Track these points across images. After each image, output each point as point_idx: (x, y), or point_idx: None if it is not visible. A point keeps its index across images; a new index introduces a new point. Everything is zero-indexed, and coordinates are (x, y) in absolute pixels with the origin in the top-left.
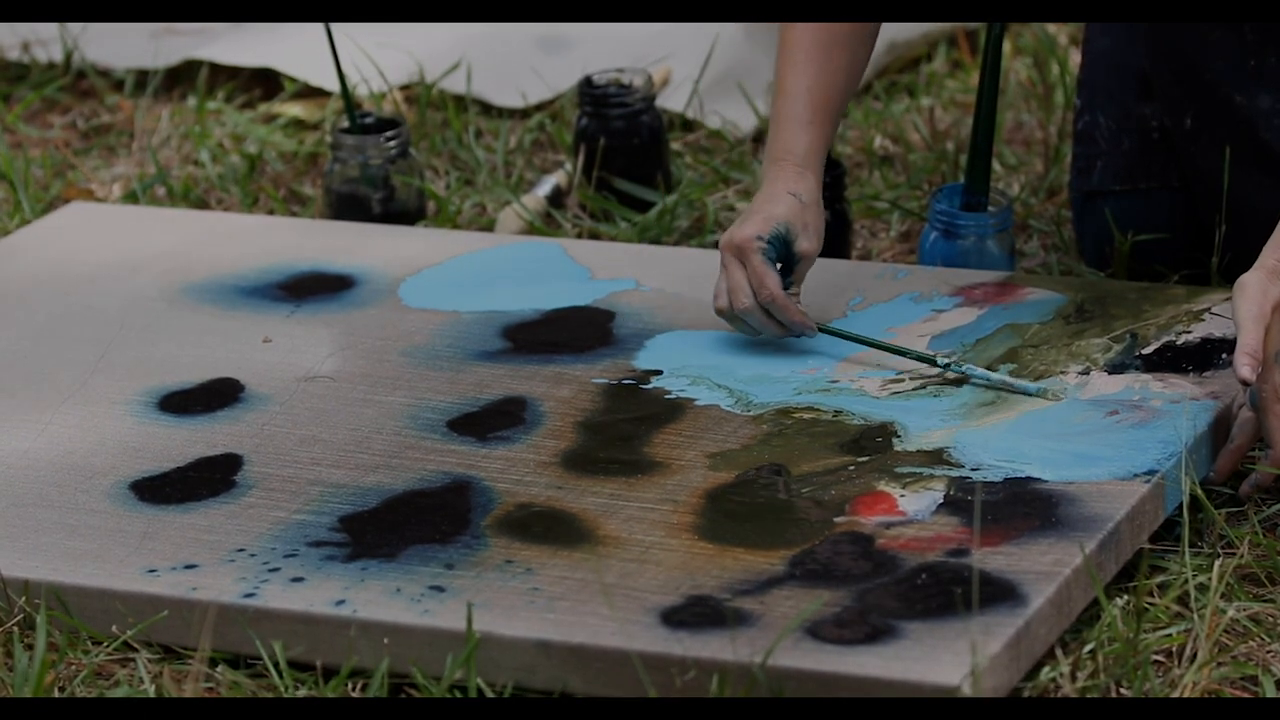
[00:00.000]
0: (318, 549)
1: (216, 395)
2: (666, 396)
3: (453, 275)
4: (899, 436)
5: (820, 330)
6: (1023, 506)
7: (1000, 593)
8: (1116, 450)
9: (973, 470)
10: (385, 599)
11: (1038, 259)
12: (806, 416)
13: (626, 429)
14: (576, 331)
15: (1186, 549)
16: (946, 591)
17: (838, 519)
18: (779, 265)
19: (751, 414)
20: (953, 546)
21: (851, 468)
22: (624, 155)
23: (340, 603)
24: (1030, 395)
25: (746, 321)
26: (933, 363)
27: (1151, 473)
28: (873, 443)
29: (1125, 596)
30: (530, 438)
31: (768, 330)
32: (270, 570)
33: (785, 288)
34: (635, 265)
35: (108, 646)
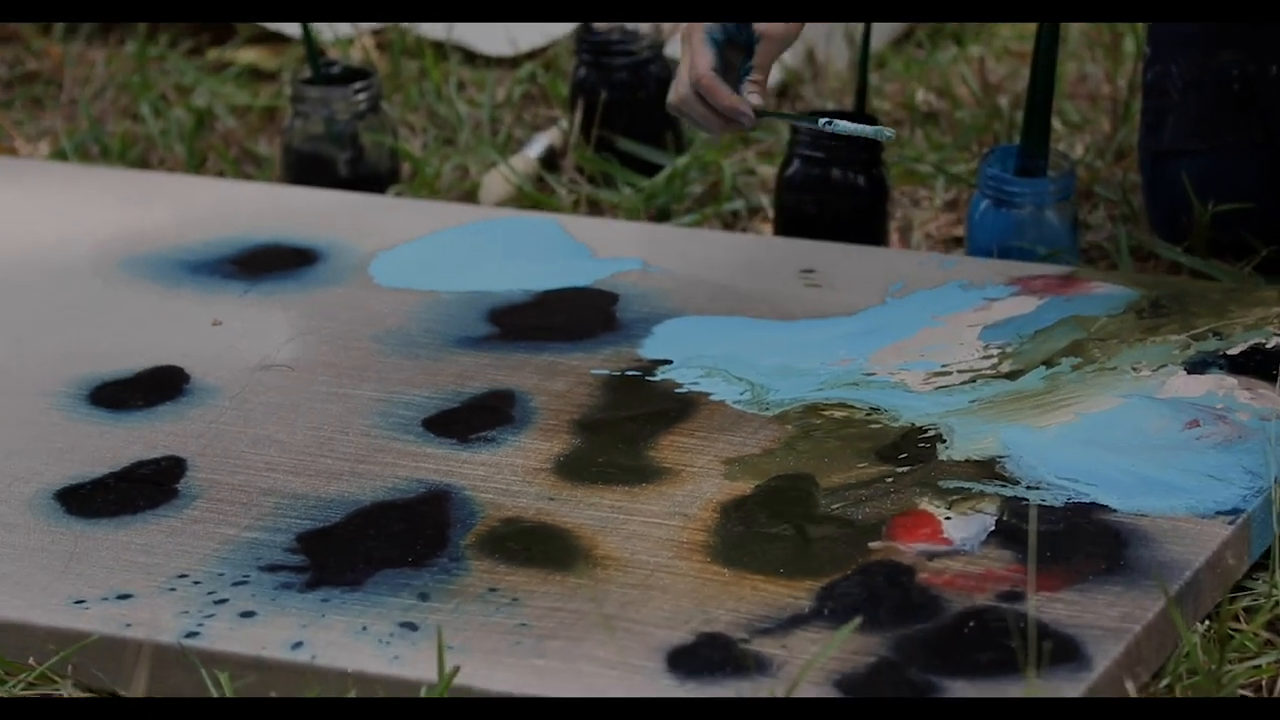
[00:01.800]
0: (272, 574)
1: (157, 387)
2: (676, 391)
3: (431, 250)
4: (944, 441)
5: (758, 114)
6: (1087, 543)
7: (1061, 651)
8: (1196, 479)
9: (1029, 489)
10: (349, 639)
11: (1104, 232)
12: (838, 415)
13: (630, 429)
14: (574, 315)
15: (1276, 568)
16: (998, 645)
17: (873, 544)
18: (746, 53)
19: (774, 412)
20: (1005, 588)
21: (889, 479)
22: (628, 111)
23: (297, 645)
24: (870, 138)
25: (689, 116)
26: (814, 123)
27: (1236, 511)
28: (914, 448)
29: (1206, 622)
30: (519, 439)
31: (709, 127)
32: (216, 602)
33: (744, 72)
34: (642, 243)
35: (26, 678)
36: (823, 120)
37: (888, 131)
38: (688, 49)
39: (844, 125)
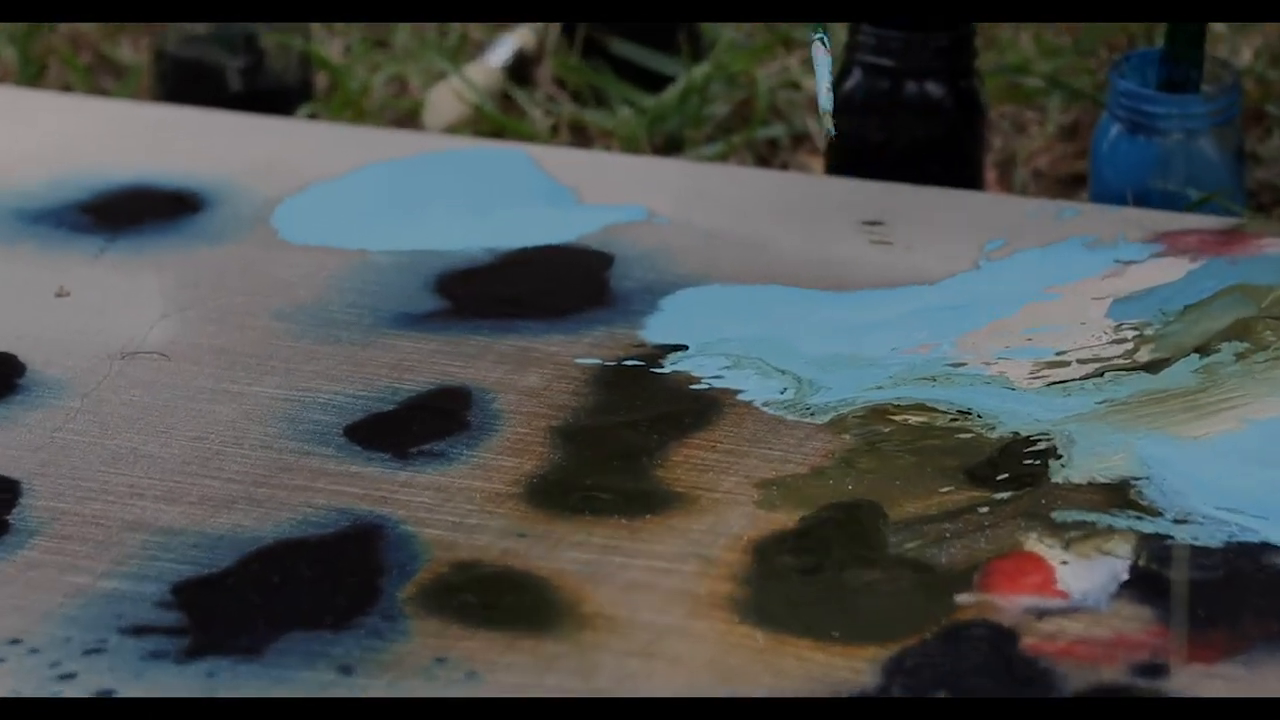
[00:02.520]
0: (137, 639)
1: None
2: (693, 388)
3: (358, 194)
4: (1060, 457)
5: None
6: (1255, 597)
7: None
8: None
9: (1176, 523)
10: None
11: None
12: (913, 421)
13: (630, 440)
14: (552, 284)
15: None
16: None
17: (961, 597)
18: None
19: (826, 417)
20: (1143, 658)
21: (984, 509)
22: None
23: None
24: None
25: None
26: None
27: None
28: (1018, 467)
29: None
30: (477, 454)
31: None
32: (61, 677)
33: None
34: (646, 184)
35: None
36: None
37: (828, 125)
38: None
39: (822, 60)
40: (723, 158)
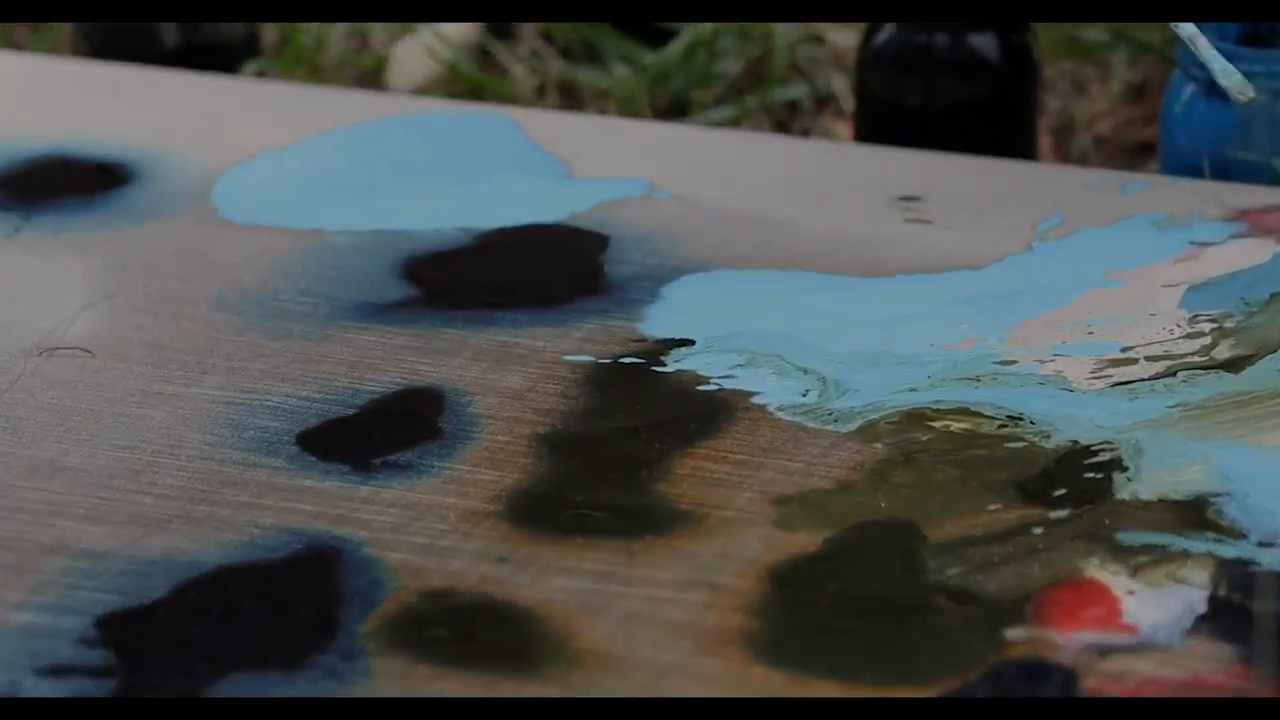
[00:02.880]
0: (56, 681)
1: None
2: (700, 389)
3: (312, 165)
4: (1126, 470)
5: None
6: None
7: None
8: None
9: (1261, 546)
10: None
11: None
12: (955, 428)
13: (626, 449)
14: (538, 269)
15: None
16: None
17: (1012, 632)
18: None
19: (854, 424)
20: (1224, 699)
21: (1038, 530)
22: None
23: None
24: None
25: None
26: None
27: None
28: (1078, 481)
29: None
30: (450, 465)
31: None
32: None
33: None
34: (646, 153)
35: None
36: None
37: (1248, 89)
38: None
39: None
40: (735, 122)
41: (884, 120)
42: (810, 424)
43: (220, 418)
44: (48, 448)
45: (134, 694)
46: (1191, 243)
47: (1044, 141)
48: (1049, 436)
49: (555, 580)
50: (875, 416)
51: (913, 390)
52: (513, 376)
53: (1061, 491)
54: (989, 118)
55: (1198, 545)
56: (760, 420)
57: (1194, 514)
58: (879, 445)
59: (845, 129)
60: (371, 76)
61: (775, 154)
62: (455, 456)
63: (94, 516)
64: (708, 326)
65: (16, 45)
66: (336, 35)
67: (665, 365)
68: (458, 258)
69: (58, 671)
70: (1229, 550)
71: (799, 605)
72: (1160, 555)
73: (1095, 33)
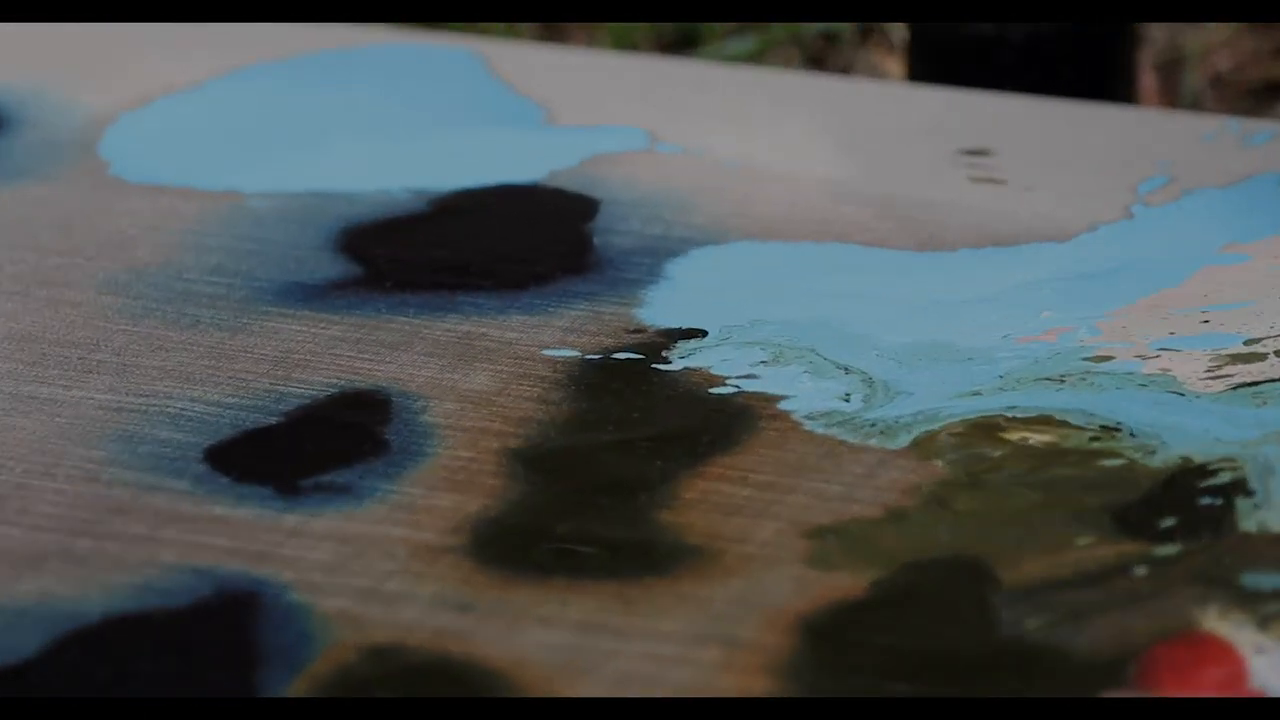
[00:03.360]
0: None
1: None
2: (714, 393)
3: (224, 111)
4: (1253, 495)
5: None
6: None
7: None
8: None
9: None
10: None
11: None
12: (1035, 442)
13: (621, 468)
14: (511, 242)
15: None
16: None
17: (1108, 691)
18: None
19: (908, 437)
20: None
21: (1141, 570)
22: None
23: None
24: None
25: None
26: None
27: None
28: (1191, 508)
29: None
30: (399, 488)
31: None
32: None
33: None
34: (644, 96)
35: None
36: None
37: None
38: None
39: None
40: (757, 57)
41: (944, 54)
42: (852, 436)
43: (109, 428)
44: None
45: None
46: None
47: (1146, 81)
48: (1154, 452)
49: (531, 634)
50: (934, 427)
51: (981, 394)
52: (478, 376)
53: (1170, 522)
54: (1076, 53)
55: None
56: (789, 432)
57: None
58: (939, 463)
59: (895, 65)
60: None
61: (808, 96)
62: (405, 477)
63: None
64: (723, 313)
65: None
66: None
67: (670, 362)
68: (408, 227)
69: None
70: None
71: (839, 666)
72: None
73: None
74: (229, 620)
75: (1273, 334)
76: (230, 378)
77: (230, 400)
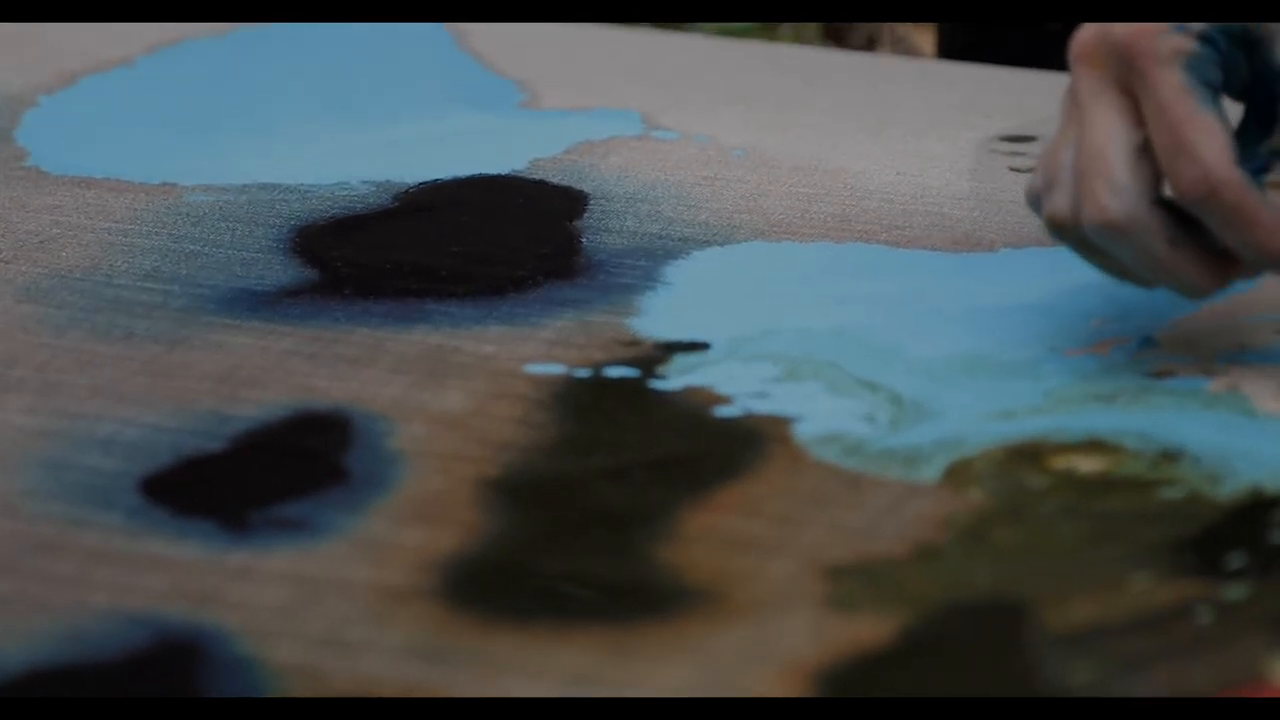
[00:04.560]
0: None
1: None
2: (719, 414)
3: (159, 93)
4: None
5: None
6: None
7: None
8: None
9: None
10: None
11: None
12: (1084, 470)
13: (614, 499)
14: (488, 242)
15: None
16: None
17: None
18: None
19: (940, 464)
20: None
21: (1205, 613)
22: None
23: None
24: None
25: (1119, 249)
26: None
27: None
28: (1261, 545)
29: None
30: (361, 522)
31: (1187, 280)
32: None
33: (1259, 169)
34: (638, 72)
35: None
36: None
37: None
38: (1120, 106)
39: None
40: (765, 29)
41: (982, 26)
42: (877, 463)
43: (30, 455)
44: None
45: None
46: None
47: None
48: (1220, 481)
49: (512, 687)
50: (970, 452)
51: (1023, 414)
52: (451, 395)
53: (1238, 560)
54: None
55: None
56: (805, 458)
57: None
58: (975, 492)
59: (926, 38)
60: None
61: (825, 73)
62: (369, 510)
63: None
64: (729, 323)
65: None
66: None
67: (668, 379)
68: (370, 225)
69: None
70: None
71: None
72: None
73: None
74: (168, 672)
75: None
76: (168, 397)
77: (169, 423)
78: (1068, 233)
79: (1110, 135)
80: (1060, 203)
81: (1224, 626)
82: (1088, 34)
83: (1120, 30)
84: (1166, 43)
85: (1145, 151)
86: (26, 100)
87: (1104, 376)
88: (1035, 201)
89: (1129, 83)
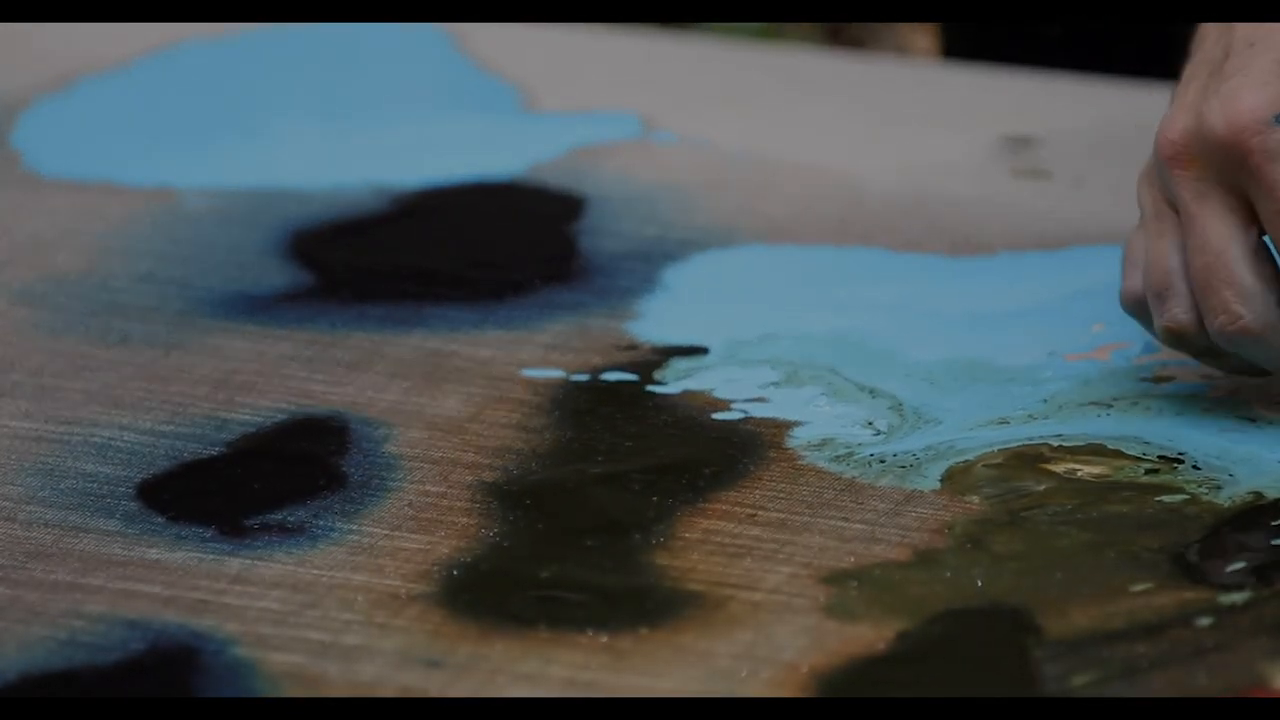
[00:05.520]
0: None
1: None
2: (717, 419)
3: (155, 97)
4: None
5: None
6: None
7: None
8: None
9: None
10: None
11: None
12: (1084, 474)
13: (612, 504)
14: (485, 246)
15: None
16: None
17: None
18: None
19: (940, 470)
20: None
21: (1205, 620)
22: None
23: None
24: None
25: (1249, 352)
26: None
27: None
28: (1262, 551)
29: None
30: (358, 528)
31: None
32: None
33: None
34: (637, 76)
35: None
36: None
37: None
38: (1222, 204)
39: None
40: (765, 32)
41: (983, 27)
42: (876, 468)
43: (26, 460)
44: None
45: None
46: None
47: None
48: (1221, 487)
49: (510, 693)
50: (970, 457)
51: (1023, 419)
52: (449, 400)
53: (1238, 565)
54: (1136, 25)
55: None
56: (803, 463)
57: None
58: (974, 499)
59: (926, 40)
60: None
61: (825, 77)
62: (366, 515)
63: None
64: (728, 327)
65: None
66: None
67: (666, 384)
68: (368, 229)
69: None
70: None
71: None
72: None
73: None
74: (164, 679)
75: None
76: (165, 402)
77: (165, 428)
78: (1189, 341)
79: (1227, 240)
80: (1179, 314)
81: (1224, 633)
82: (1177, 134)
83: (1219, 128)
84: (1274, 137)
85: (1261, 251)
86: (20, 103)
87: (1104, 382)
88: (1137, 307)
89: (1237, 182)
